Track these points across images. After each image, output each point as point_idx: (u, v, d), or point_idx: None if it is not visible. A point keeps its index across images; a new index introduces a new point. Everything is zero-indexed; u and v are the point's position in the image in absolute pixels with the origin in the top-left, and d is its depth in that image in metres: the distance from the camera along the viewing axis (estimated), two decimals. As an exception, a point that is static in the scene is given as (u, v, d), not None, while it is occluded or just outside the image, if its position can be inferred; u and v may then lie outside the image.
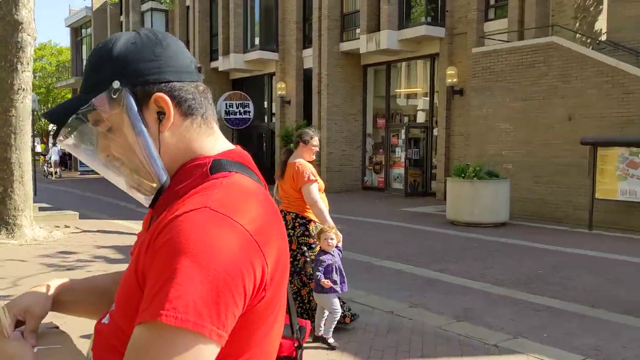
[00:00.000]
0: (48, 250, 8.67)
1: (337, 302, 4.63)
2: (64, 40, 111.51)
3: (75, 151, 1.10)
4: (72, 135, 1.06)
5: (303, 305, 5.00)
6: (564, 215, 12.37)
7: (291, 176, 4.93)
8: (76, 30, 35.50)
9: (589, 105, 12.00)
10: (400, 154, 18.67)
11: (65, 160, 40.86)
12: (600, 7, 14.81)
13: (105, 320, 1.06)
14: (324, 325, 4.65)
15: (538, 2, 14.28)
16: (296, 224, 4.96)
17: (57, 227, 10.65)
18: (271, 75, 22.46)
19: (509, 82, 13.50)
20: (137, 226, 11.06)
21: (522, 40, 14.00)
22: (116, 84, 1.01)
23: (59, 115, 1.05)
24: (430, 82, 18.01)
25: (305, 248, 4.92)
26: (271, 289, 0.96)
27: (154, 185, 1.05)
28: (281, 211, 5.02)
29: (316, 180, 4.88)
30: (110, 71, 1.02)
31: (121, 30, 29.59)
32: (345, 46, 19.21)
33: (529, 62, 13.06)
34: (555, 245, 9.56)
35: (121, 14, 29.42)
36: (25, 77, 9.33)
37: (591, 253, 8.90)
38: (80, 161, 32.37)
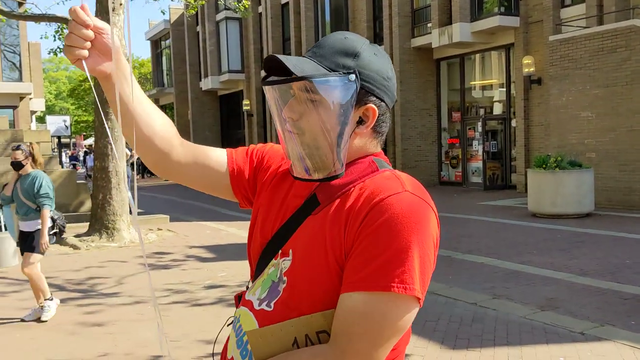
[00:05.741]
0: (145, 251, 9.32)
1: None
2: (144, 52, 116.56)
3: (271, 102, 1.21)
4: (278, 90, 1.19)
5: None
6: (654, 203, 11.91)
7: None
8: (156, 43, 37.14)
9: (677, 88, 11.50)
10: (477, 147, 18.47)
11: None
12: (687, -16, 14.10)
13: (266, 307, 1.21)
14: None
15: (617, -16, 13.79)
16: None
17: (150, 230, 11.36)
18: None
19: (589, 69, 13.11)
20: (224, 227, 11.59)
21: (601, 25, 13.55)
22: (352, 77, 1.16)
23: (297, 70, 1.14)
24: (506, 73, 17.71)
25: None
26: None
27: (321, 166, 1.18)
28: None
29: None
30: (352, 64, 1.17)
31: (198, 41, 30.75)
32: (417, 42, 19.19)
33: (610, 47, 12.64)
34: (644, 234, 9.27)
35: (197, 24, 30.57)
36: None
37: (684, 241, 8.59)
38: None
